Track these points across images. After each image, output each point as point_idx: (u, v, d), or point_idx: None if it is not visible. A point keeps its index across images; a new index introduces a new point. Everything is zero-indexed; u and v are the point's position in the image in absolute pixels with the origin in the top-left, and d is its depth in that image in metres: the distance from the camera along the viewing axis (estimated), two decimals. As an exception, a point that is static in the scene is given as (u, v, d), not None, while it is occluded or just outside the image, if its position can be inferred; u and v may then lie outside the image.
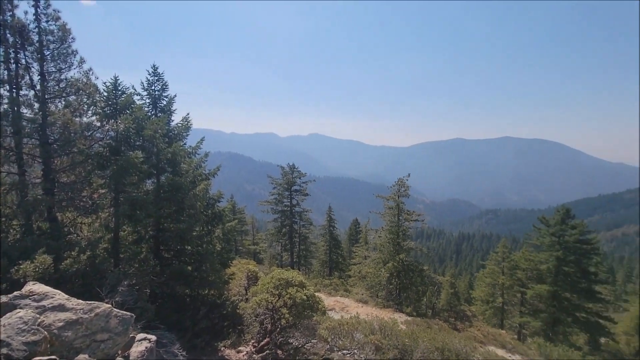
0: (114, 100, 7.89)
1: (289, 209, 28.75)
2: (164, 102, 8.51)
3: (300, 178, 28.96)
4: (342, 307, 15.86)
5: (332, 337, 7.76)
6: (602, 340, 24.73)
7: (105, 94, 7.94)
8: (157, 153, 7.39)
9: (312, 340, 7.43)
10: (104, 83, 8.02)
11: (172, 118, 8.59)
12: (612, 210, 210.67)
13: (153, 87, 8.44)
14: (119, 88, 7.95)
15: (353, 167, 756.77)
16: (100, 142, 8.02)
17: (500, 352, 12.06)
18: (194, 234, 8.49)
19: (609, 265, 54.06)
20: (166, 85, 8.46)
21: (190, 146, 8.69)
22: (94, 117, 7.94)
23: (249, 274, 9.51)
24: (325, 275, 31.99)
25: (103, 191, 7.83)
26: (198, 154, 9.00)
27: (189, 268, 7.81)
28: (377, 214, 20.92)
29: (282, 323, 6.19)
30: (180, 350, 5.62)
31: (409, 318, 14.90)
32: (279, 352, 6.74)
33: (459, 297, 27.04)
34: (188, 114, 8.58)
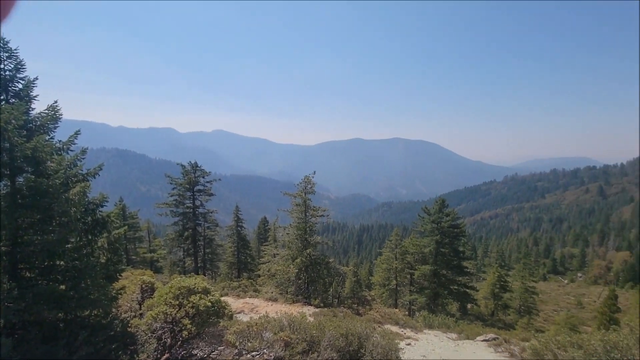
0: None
1: (191, 210, 26.65)
2: (20, 86, 6.79)
3: (204, 177, 27.11)
4: (252, 307, 15.55)
5: (241, 340, 7.53)
6: (469, 306, 30.36)
7: None
8: (9, 149, 5.86)
9: (219, 348, 7.07)
10: None
11: (33, 106, 6.91)
12: (474, 199, 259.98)
13: (1, 66, 6.64)
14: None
15: (261, 165, 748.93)
16: None
17: (395, 328, 13.61)
18: (69, 246, 7.10)
19: (472, 245, 66.47)
20: (22, 65, 6.73)
21: (60, 141, 7.17)
22: None
23: (144, 285, 8.47)
24: (234, 278, 30.85)
25: None
26: (72, 151, 7.49)
27: (62, 287, 6.51)
28: (285, 212, 21.15)
29: (183, 335, 5.70)
30: (51, 388, 4.65)
31: (317, 310, 15.53)
32: (181, 366, 6.21)
33: (361, 284, 29.49)
34: (56, 101, 7.03)
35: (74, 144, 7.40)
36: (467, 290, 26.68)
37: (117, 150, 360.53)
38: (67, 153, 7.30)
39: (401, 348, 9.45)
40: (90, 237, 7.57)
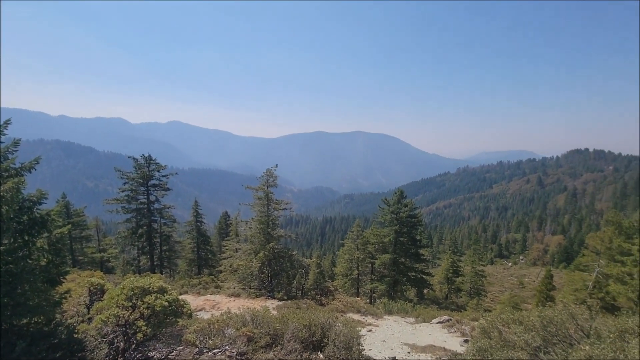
0: None
1: (145, 206, 25.18)
2: None
3: (159, 171, 25.67)
4: (213, 305, 15.17)
5: (201, 339, 7.32)
6: (425, 291, 32.09)
7: None
8: None
9: (178, 348, 6.81)
10: None
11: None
12: (430, 190, 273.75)
13: None
14: None
15: (221, 158, 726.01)
16: None
17: (356, 316, 14.05)
18: (1, 248, 6.40)
19: (428, 233, 70.28)
20: None
21: (-15, 131, 6.34)
22: None
23: (92, 288, 7.88)
24: (194, 275, 29.80)
25: None
26: (1, 142, 6.70)
27: (-6, 295, 5.88)
28: (247, 206, 20.74)
29: (138, 338, 5.40)
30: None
31: (281, 303, 15.54)
32: (137, 370, 5.90)
33: (324, 275, 29.90)
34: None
35: (4, 134, 6.60)
36: (424, 276, 28.20)
37: (59, 142, 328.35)
38: (-5, 145, 6.49)
39: (362, 335, 9.76)
40: (27, 238, 6.84)
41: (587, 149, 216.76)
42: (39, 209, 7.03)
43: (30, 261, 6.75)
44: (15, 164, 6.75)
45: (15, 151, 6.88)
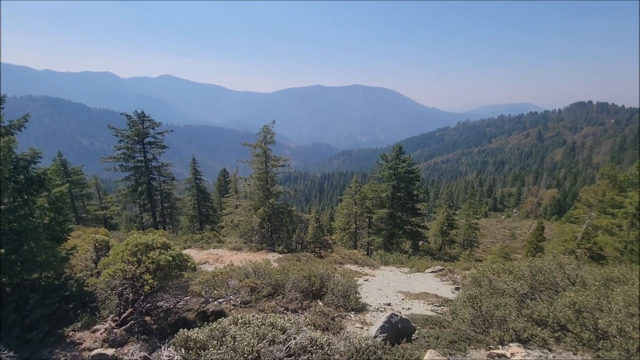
0: None
1: (143, 164, 25.11)
2: None
3: (154, 128, 25.21)
4: (216, 258, 15.78)
5: (207, 289, 7.70)
6: (420, 243, 33.37)
7: None
8: None
9: (185, 298, 7.18)
10: None
11: None
12: (428, 145, 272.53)
13: None
14: None
15: (216, 114, 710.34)
16: None
17: (354, 267, 14.72)
18: (2, 207, 6.44)
19: (425, 188, 71.24)
20: None
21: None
22: None
23: (97, 244, 8.09)
24: (196, 230, 30.69)
25: None
26: (-15, 99, 6.42)
27: (1, 251, 6.02)
28: (245, 162, 20.71)
29: (145, 290, 5.66)
30: (4, 351, 4.48)
31: (281, 256, 16.17)
32: (147, 318, 6.26)
33: (322, 229, 30.90)
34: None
35: (-14, 91, 6.30)
36: (420, 229, 29.16)
37: (47, 98, 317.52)
38: (-21, 102, 6.23)
39: (359, 284, 10.31)
40: (26, 197, 6.86)
41: (590, 102, 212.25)
42: (34, 168, 6.96)
43: (32, 219, 6.85)
44: (3, 122, 6.54)
45: (2, 108, 6.62)
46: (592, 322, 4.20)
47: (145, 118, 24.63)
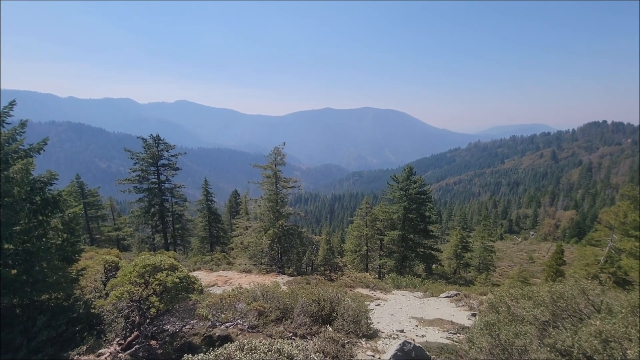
0: None
1: (156, 186, 25.57)
2: None
3: (168, 150, 25.83)
4: (225, 280, 15.60)
5: (214, 313, 7.56)
6: (434, 266, 32.40)
7: None
8: None
9: (191, 322, 7.05)
10: None
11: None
12: (439, 166, 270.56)
13: None
14: None
15: (229, 137, 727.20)
16: None
17: (365, 291, 14.30)
18: (17, 228, 6.57)
19: (437, 209, 70.11)
20: None
21: (-8, 113, 6.36)
22: None
23: (107, 265, 8.12)
24: (206, 252, 30.62)
25: None
26: (8, 124, 6.72)
27: (13, 272, 6.09)
28: (256, 184, 20.84)
29: (151, 312, 5.58)
30: (9, 376, 4.43)
31: (290, 278, 15.88)
32: (153, 342, 6.14)
33: (333, 251, 30.45)
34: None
35: (10, 116, 6.61)
36: (432, 252, 28.37)
37: (70, 123, 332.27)
38: (2, 127, 6.53)
39: (371, 309, 9.95)
40: (41, 218, 7.01)
41: (605, 122, 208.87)
42: (50, 190, 7.15)
43: (45, 240, 6.95)
44: (23, 145, 6.80)
45: (23, 132, 6.91)
46: (621, 353, 3.89)
47: (160, 141, 25.33)
